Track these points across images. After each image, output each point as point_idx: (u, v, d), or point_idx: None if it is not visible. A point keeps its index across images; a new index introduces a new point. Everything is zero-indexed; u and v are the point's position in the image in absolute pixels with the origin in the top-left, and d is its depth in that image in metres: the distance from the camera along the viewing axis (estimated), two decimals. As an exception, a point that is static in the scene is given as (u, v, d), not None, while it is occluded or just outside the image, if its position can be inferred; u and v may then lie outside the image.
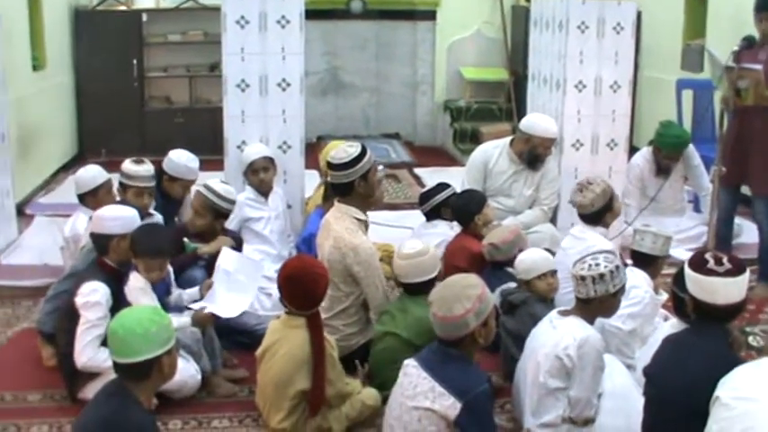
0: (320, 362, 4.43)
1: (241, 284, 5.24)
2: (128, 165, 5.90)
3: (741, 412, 3.27)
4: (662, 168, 7.47)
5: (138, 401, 3.50)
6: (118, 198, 5.89)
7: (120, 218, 4.96)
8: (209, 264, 5.55)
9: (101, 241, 4.93)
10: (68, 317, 4.81)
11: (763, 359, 3.59)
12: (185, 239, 5.63)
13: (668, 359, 3.92)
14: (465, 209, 6.24)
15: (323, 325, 4.58)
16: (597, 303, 4.31)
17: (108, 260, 4.91)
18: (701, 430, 3.51)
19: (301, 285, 4.46)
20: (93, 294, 4.73)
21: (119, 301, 4.73)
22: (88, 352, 4.68)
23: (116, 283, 4.86)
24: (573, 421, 4.30)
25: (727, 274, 3.73)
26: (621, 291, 4.35)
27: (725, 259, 3.77)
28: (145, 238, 4.96)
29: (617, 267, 4.29)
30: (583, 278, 4.27)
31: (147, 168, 5.88)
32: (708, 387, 3.56)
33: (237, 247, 5.78)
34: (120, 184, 5.91)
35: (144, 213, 5.72)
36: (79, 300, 4.75)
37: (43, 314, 5.46)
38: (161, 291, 5.09)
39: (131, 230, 4.92)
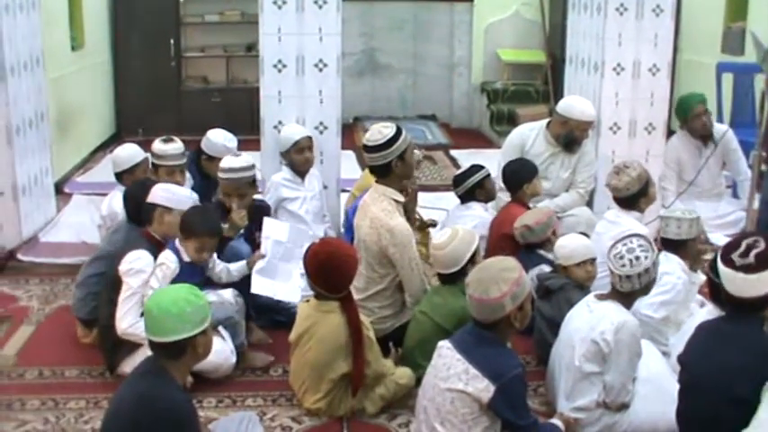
0: (359, 344, 4.46)
1: (293, 252, 5.35)
2: (157, 144, 5.97)
3: None
4: (703, 138, 7.40)
5: (173, 379, 3.54)
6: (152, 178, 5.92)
7: (173, 192, 5.10)
8: (248, 235, 5.66)
9: (148, 210, 5.02)
10: (112, 286, 4.86)
11: None
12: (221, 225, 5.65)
13: (703, 347, 3.89)
14: (516, 176, 6.25)
15: (357, 306, 4.59)
16: (639, 292, 4.36)
17: (152, 231, 5.00)
18: (737, 417, 3.49)
19: (331, 269, 4.49)
20: (137, 262, 4.81)
21: None
22: (129, 318, 4.73)
23: (158, 255, 4.92)
24: (607, 406, 4.30)
25: (749, 269, 3.70)
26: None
27: (754, 252, 3.72)
28: (200, 218, 5.00)
29: (653, 253, 4.29)
30: (628, 276, 4.28)
31: (176, 147, 5.93)
32: (744, 374, 3.54)
33: (267, 215, 5.85)
34: (152, 164, 5.94)
35: None
36: (123, 267, 4.81)
37: (76, 300, 5.48)
38: (197, 273, 5.03)
39: (178, 207, 4.98)
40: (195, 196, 5.95)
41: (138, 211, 5.14)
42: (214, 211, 5.35)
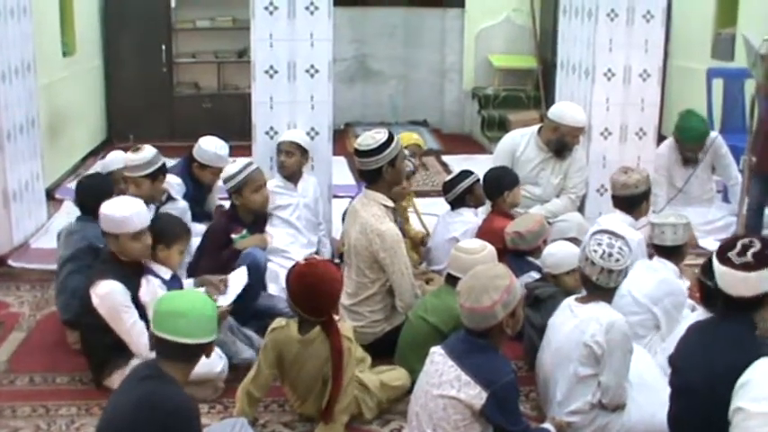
0: (339, 370, 4.34)
1: None
2: (126, 154, 5.88)
3: None
4: (687, 159, 7.42)
5: (177, 381, 3.55)
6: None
7: (108, 217, 4.79)
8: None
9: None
10: (89, 313, 4.77)
11: None
12: (233, 236, 5.67)
13: (692, 348, 3.91)
14: (497, 183, 6.27)
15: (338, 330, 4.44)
16: (614, 289, 4.40)
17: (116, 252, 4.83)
18: (724, 419, 3.49)
19: (317, 292, 4.31)
20: (112, 298, 4.68)
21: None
22: (143, 343, 4.62)
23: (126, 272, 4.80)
24: (602, 406, 4.31)
25: (747, 268, 3.69)
26: None
27: (751, 251, 3.71)
28: (174, 222, 5.03)
29: (630, 258, 4.37)
30: (610, 271, 4.29)
31: (139, 157, 5.76)
32: (730, 376, 3.54)
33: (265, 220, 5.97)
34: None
35: (158, 201, 5.77)
36: (103, 308, 4.70)
37: (59, 307, 5.48)
38: (176, 287, 4.95)
39: (120, 231, 4.74)
40: (184, 203, 5.98)
41: (83, 204, 5.16)
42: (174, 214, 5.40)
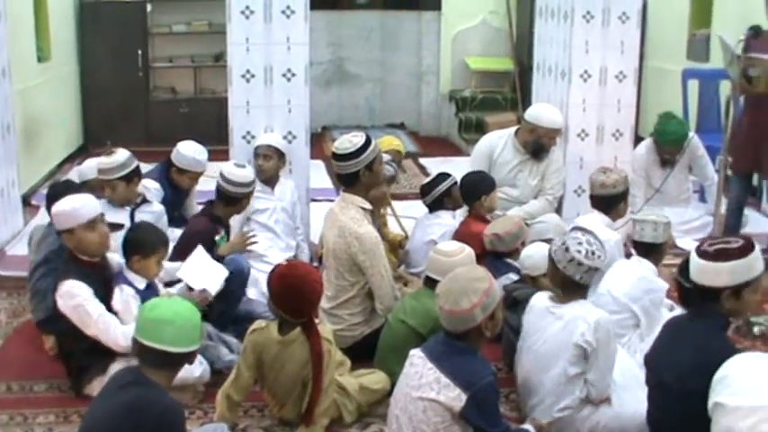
0: (319, 373, 4.34)
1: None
2: (100, 158, 5.85)
3: (760, 419, 3.22)
4: (665, 160, 7.46)
5: (161, 386, 3.53)
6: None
7: (58, 212, 4.80)
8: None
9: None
10: (61, 318, 4.72)
11: (746, 355, 3.57)
12: (217, 237, 5.63)
13: (664, 346, 3.94)
14: (474, 187, 6.28)
15: (318, 332, 4.43)
16: (585, 285, 4.41)
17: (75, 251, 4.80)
18: (695, 416, 3.51)
19: (298, 294, 4.32)
20: (74, 298, 4.63)
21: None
22: (118, 333, 4.58)
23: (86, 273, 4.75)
24: (589, 401, 4.33)
25: (720, 258, 3.75)
26: None
27: (730, 245, 3.78)
28: (152, 232, 5.00)
29: (604, 258, 4.40)
30: (580, 264, 4.31)
31: (111, 161, 5.71)
32: (698, 372, 3.56)
33: None
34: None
35: (132, 203, 5.75)
36: (67, 308, 4.65)
37: (32, 310, 5.48)
38: (152, 296, 4.94)
39: (74, 224, 4.71)
40: (161, 207, 5.95)
41: None
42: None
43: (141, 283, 4.86)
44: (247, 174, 5.77)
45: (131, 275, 4.86)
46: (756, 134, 6.52)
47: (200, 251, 5.23)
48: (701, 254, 3.78)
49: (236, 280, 5.36)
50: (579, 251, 4.29)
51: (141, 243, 4.87)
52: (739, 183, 6.77)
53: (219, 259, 5.40)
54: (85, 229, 4.70)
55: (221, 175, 5.70)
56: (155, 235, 4.99)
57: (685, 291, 4.12)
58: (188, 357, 3.62)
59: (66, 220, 4.72)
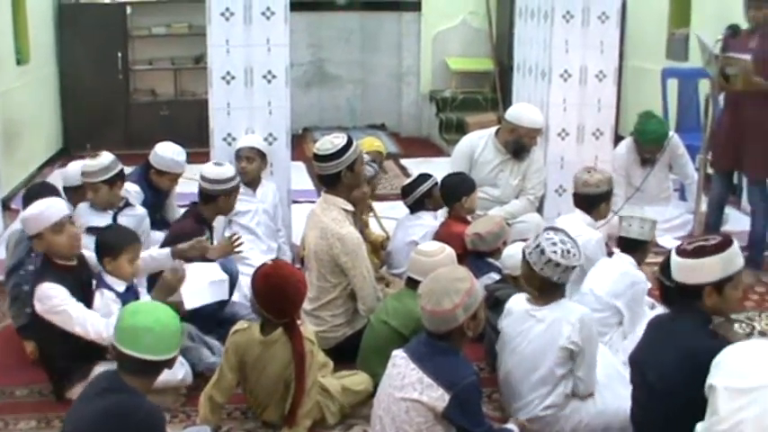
0: (302, 374, 4.34)
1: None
2: (84, 161, 5.82)
3: (748, 402, 3.21)
4: (645, 159, 7.49)
5: (139, 392, 3.51)
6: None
7: (25, 218, 4.82)
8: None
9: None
10: (41, 322, 4.70)
11: (749, 341, 3.59)
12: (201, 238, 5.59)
13: (648, 345, 3.95)
14: (455, 189, 6.28)
15: (301, 333, 4.43)
16: (560, 285, 4.43)
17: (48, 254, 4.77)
18: (682, 415, 3.52)
19: (283, 294, 4.33)
20: (52, 300, 4.61)
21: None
22: (101, 328, 4.54)
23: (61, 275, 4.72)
24: (574, 395, 4.36)
25: (699, 254, 3.77)
26: None
27: (709, 242, 3.81)
28: (118, 231, 5.02)
29: (579, 258, 4.42)
30: (573, 267, 4.34)
31: (95, 163, 5.69)
32: (682, 371, 3.58)
33: None
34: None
35: (115, 207, 5.73)
36: (42, 309, 4.63)
37: (12, 316, 5.46)
38: (132, 299, 4.87)
39: (43, 227, 4.69)
40: (143, 210, 5.92)
41: None
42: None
43: (121, 286, 4.85)
44: (224, 171, 5.75)
45: (110, 279, 4.84)
46: (736, 132, 6.55)
47: (194, 267, 5.08)
48: (681, 252, 3.80)
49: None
50: (555, 252, 4.31)
51: (108, 244, 4.86)
52: (720, 181, 6.80)
53: (206, 261, 5.38)
54: (53, 232, 4.68)
55: (200, 173, 5.70)
56: (122, 234, 4.96)
57: (667, 289, 4.15)
58: (167, 363, 3.61)
59: (34, 224, 4.71)
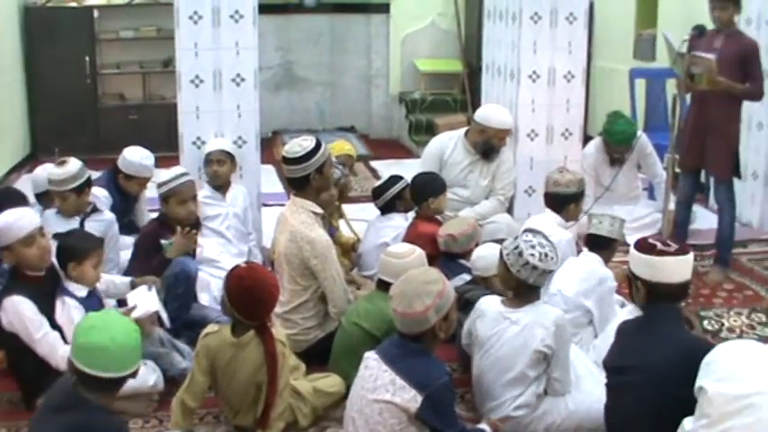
0: (274, 377, 4.33)
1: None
2: (50, 168, 5.78)
3: (739, 408, 3.21)
4: (614, 159, 7.53)
5: (101, 407, 3.44)
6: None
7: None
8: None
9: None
10: (9, 333, 4.65)
11: (737, 341, 3.60)
12: (162, 241, 5.55)
13: (630, 349, 3.94)
14: (423, 188, 6.29)
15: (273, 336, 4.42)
16: (534, 287, 4.47)
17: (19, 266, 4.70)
18: (669, 414, 3.54)
19: (256, 296, 4.32)
20: (21, 315, 4.56)
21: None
22: (59, 359, 4.47)
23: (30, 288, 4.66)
24: (546, 394, 4.38)
25: (678, 252, 3.83)
26: None
27: (669, 242, 3.90)
28: (81, 236, 5.00)
29: (556, 260, 4.48)
30: (550, 271, 4.38)
31: (63, 171, 5.65)
32: (669, 369, 3.60)
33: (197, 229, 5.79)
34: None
35: (82, 213, 5.69)
36: (8, 324, 4.59)
37: None
38: (95, 303, 4.88)
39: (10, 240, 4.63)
40: (110, 215, 5.89)
41: None
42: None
43: (82, 291, 4.80)
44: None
45: (71, 285, 4.79)
46: (701, 131, 6.59)
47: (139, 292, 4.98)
48: (663, 252, 3.82)
49: (184, 282, 5.34)
50: (533, 255, 4.33)
51: (72, 250, 4.81)
52: (687, 180, 6.85)
53: (167, 262, 5.36)
54: (23, 245, 4.61)
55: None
56: (86, 239, 4.93)
57: (637, 288, 4.15)
58: (128, 377, 3.52)
59: (4, 236, 4.62)
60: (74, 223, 5.61)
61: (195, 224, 5.74)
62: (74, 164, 5.70)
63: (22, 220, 4.66)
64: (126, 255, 5.80)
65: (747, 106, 7.00)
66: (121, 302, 5.11)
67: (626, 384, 3.89)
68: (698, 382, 3.34)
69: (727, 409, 3.20)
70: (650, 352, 3.77)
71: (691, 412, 3.37)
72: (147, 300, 4.81)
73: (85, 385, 3.43)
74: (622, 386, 3.92)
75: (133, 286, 5.11)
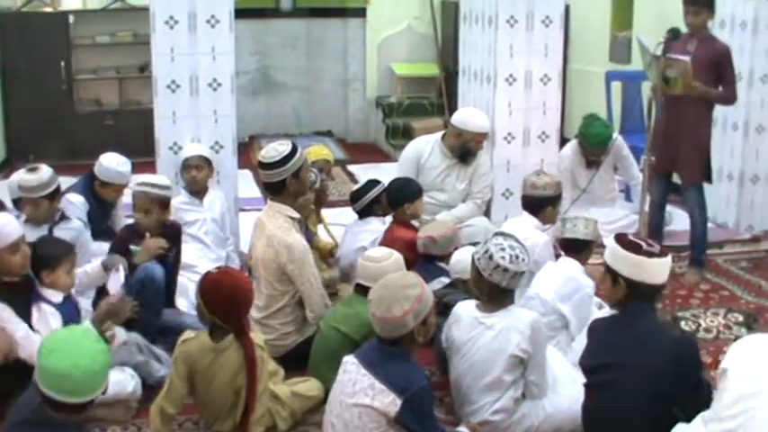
0: (253, 381, 4.31)
1: None
2: (20, 174, 5.72)
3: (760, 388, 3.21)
4: (590, 161, 7.56)
5: (69, 425, 3.39)
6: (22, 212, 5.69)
7: None
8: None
9: None
10: None
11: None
12: (132, 246, 5.52)
13: (601, 345, 3.97)
14: (399, 193, 6.29)
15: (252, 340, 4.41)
16: (507, 290, 4.48)
17: None
18: (648, 409, 3.55)
19: (233, 300, 4.29)
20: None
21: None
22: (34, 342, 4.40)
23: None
24: (524, 397, 4.40)
25: (661, 254, 3.88)
26: None
27: (651, 242, 3.96)
28: (53, 242, 4.96)
29: (528, 262, 4.49)
30: (521, 273, 4.38)
31: (36, 177, 5.60)
32: (655, 364, 3.62)
33: (178, 236, 5.74)
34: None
35: (51, 221, 5.65)
36: None
37: None
38: (72, 309, 4.87)
39: None
40: (79, 223, 5.85)
41: None
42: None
43: (58, 297, 4.77)
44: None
45: (46, 291, 4.76)
46: (672, 134, 6.62)
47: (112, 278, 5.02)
48: (649, 253, 3.85)
49: (151, 288, 5.30)
50: (503, 257, 4.34)
51: (44, 256, 4.77)
52: (659, 182, 6.86)
53: (135, 267, 5.33)
54: (8, 252, 4.59)
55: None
56: (58, 246, 4.90)
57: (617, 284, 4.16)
58: (94, 400, 3.45)
59: None
60: (42, 232, 5.54)
61: (174, 232, 5.72)
62: (45, 170, 5.66)
63: (9, 226, 4.65)
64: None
65: (722, 107, 7.04)
66: (101, 292, 5.11)
67: (603, 382, 3.91)
68: (721, 365, 3.37)
69: (748, 389, 3.21)
70: (631, 349, 3.79)
71: (672, 406, 3.41)
72: (114, 280, 4.88)
73: (52, 408, 3.36)
74: (599, 384, 3.94)
75: (105, 267, 5.11)
